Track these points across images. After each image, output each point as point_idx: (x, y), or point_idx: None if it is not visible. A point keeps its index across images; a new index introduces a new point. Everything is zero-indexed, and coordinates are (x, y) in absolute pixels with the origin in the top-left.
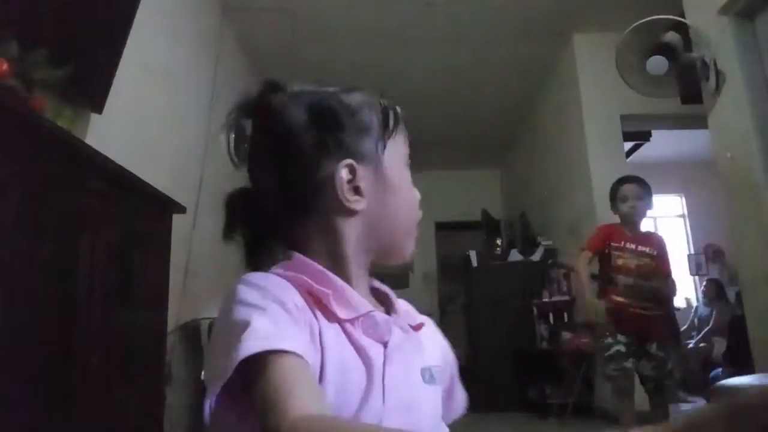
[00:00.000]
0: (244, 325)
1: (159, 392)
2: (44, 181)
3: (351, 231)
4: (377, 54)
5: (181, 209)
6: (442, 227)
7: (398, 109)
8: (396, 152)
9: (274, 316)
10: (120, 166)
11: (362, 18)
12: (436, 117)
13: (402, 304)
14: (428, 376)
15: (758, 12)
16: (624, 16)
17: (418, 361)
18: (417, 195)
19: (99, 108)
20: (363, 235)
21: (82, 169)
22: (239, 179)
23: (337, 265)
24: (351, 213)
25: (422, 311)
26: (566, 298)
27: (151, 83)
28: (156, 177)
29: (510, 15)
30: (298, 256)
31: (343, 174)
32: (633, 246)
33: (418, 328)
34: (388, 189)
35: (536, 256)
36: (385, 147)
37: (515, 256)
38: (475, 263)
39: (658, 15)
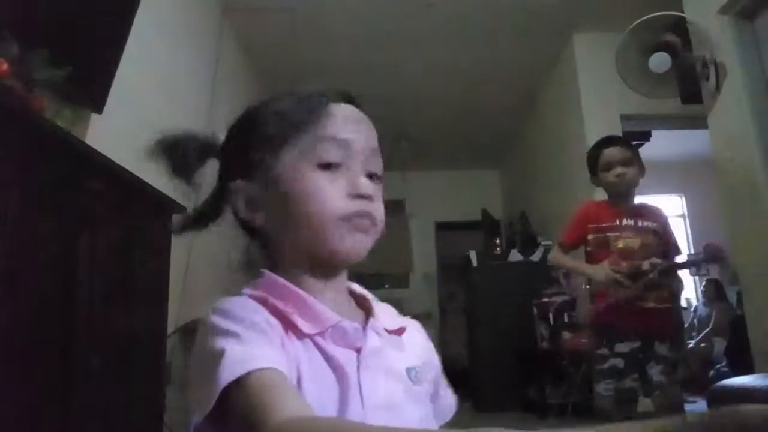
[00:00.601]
0: (221, 353)
1: (159, 392)
2: (44, 181)
3: (280, 243)
4: (377, 54)
5: (181, 209)
6: (442, 227)
7: (325, 102)
8: (299, 155)
9: (248, 339)
10: (120, 166)
11: (362, 18)
12: (436, 117)
13: (383, 308)
14: (413, 374)
15: (758, 12)
16: (624, 16)
17: (399, 362)
18: (337, 188)
19: (99, 108)
20: (288, 245)
21: (82, 169)
22: None
23: (290, 277)
24: (261, 228)
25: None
26: (566, 298)
27: (151, 83)
28: (156, 177)
29: (510, 15)
30: (267, 274)
31: (237, 194)
32: (631, 222)
33: (399, 332)
34: (282, 196)
35: (536, 256)
36: (276, 155)
37: (515, 256)
38: (475, 263)
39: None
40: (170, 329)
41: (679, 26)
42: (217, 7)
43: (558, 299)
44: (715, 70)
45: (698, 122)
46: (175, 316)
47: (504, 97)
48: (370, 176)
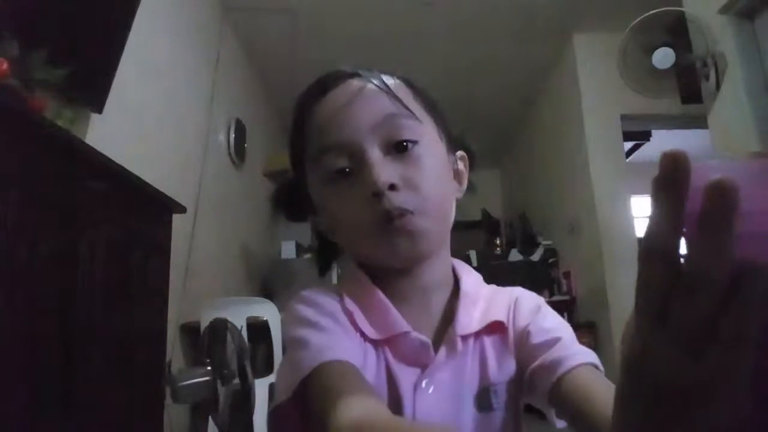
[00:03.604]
0: (304, 342)
1: (159, 392)
2: (44, 181)
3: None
4: (377, 54)
5: (181, 209)
6: None
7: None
8: (315, 171)
9: (327, 330)
10: (120, 166)
11: (362, 18)
12: None
13: (472, 299)
14: (485, 401)
15: (758, 12)
16: (624, 16)
17: (467, 388)
18: (356, 194)
19: (99, 108)
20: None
21: (82, 169)
22: (239, 179)
23: (370, 275)
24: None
25: None
26: (566, 298)
27: (151, 83)
28: (156, 177)
29: (510, 15)
30: (351, 267)
31: (312, 228)
32: None
33: (489, 330)
34: (324, 217)
35: (536, 256)
36: (305, 177)
37: (515, 255)
38: (475, 263)
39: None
40: (170, 329)
41: (679, 26)
42: (217, 6)
43: (558, 299)
44: (715, 69)
45: (698, 122)
46: (175, 316)
47: (504, 97)
48: (395, 145)
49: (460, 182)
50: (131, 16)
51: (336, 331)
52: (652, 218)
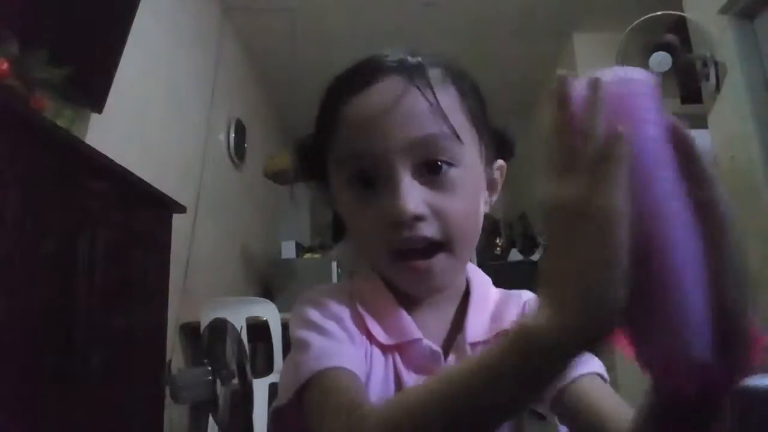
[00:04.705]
0: (306, 345)
1: (159, 392)
2: (44, 182)
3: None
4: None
5: (181, 209)
6: None
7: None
8: (340, 170)
9: (331, 334)
10: (120, 166)
11: (362, 18)
12: None
13: (481, 306)
14: None
15: (758, 12)
16: (624, 16)
17: None
18: (376, 215)
19: (99, 108)
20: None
21: (82, 169)
22: (239, 179)
23: (383, 278)
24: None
25: None
26: None
27: (151, 83)
28: (156, 177)
29: (510, 15)
30: (366, 270)
31: (316, 197)
32: None
33: (498, 337)
34: (334, 194)
35: (536, 256)
36: (325, 164)
37: (515, 255)
38: (475, 263)
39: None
40: (170, 329)
41: (680, 26)
42: (217, 7)
43: None
44: (715, 69)
45: (698, 122)
46: (175, 316)
47: (504, 96)
48: (429, 166)
49: (492, 192)
50: (131, 16)
51: (341, 337)
52: (555, 113)
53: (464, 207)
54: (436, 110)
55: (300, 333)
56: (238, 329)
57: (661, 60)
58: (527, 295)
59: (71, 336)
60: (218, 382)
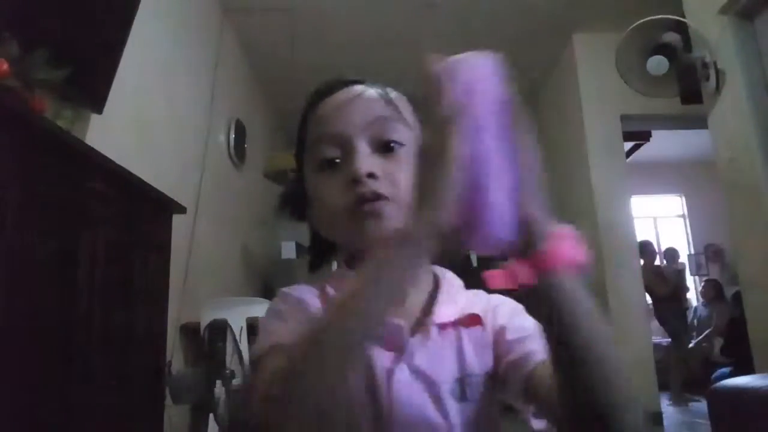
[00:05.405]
0: (263, 330)
1: (159, 392)
2: (44, 182)
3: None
4: (377, 54)
5: (181, 209)
6: None
7: (319, 105)
8: (309, 160)
9: (286, 315)
10: (120, 166)
11: (362, 19)
12: None
13: (450, 296)
14: (460, 391)
15: (758, 12)
16: (624, 16)
17: (442, 376)
18: (337, 182)
19: (99, 108)
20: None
21: (82, 169)
22: (239, 179)
23: (354, 268)
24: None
25: None
26: None
27: (151, 83)
28: (156, 177)
29: (510, 15)
30: (338, 268)
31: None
32: None
33: (464, 322)
34: (310, 202)
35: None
36: (301, 163)
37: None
38: (475, 263)
39: (659, 15)
40: (170, 329)
41: (680, 26)
42: (217, 7)
43: None
44: (715, 70)
45: (698, 122)
46: (175, 316)
47: None
48: (383, 145)
49: None
50: (131, 16)
51: (295, 316)
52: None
53: (409, 177)
54: (388, 101)
55: (262, 321)
56: (238, 329)
57: (659, 63)
58: (498, 296)
59: (71, 336)
60: (218, 382)
